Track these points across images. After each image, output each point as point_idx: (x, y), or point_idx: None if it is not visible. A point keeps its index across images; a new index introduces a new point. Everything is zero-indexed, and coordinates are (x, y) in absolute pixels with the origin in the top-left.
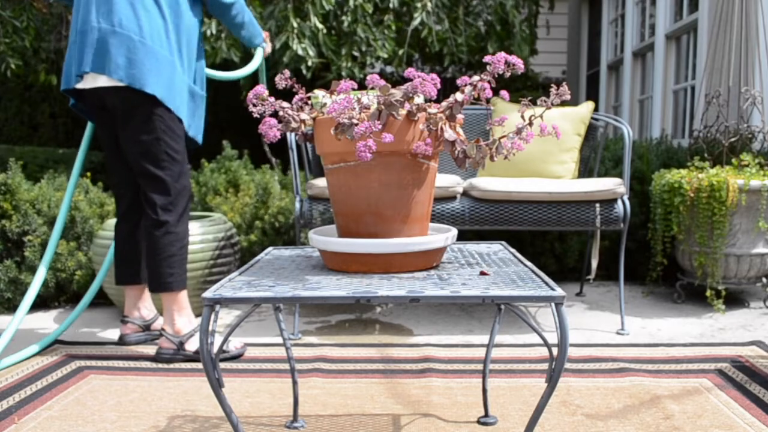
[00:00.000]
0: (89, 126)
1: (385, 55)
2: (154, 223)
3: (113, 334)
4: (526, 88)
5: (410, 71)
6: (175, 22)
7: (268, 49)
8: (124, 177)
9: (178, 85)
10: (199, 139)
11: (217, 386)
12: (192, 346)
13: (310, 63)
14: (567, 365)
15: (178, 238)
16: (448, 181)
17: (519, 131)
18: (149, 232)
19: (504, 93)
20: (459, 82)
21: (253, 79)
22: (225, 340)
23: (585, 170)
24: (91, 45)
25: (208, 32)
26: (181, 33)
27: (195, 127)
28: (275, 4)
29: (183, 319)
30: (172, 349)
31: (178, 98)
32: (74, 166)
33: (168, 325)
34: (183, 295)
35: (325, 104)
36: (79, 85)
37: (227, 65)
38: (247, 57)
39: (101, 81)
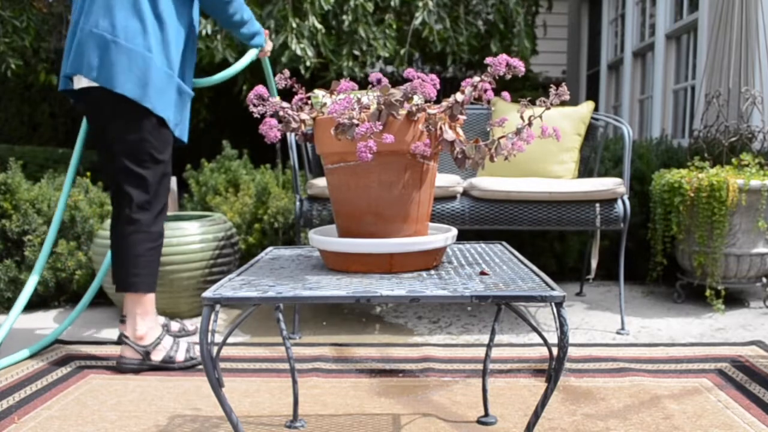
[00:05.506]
0: (84, 125)
1: (386, 55)
2: (128, 220)
3: (113, 334)
4: (525, 88)
5: (410, 71)
6: (158, 17)
7: (269, 47)
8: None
9: (158, 83)
10: (185, 138)
11: (217, 386)
12: (158, 356)
13: (308, 63)
14: (567, 365)
15: (150, 239)
16: (448, 181)
17: (518, 132)
18: (119, 229)
19: (505, 94)
20: (463, 84)
21: (249, 77)
22: (225, 340)
23: (585, 170)
24: (73, 47)
25: (204, 32)
26: (167, 28)
27: (181, 127)
28: (273, 4)
29: (146, 324)
30: (137, 359)
31: (157, 96)
32: (70, 166)
33: (130, 330)
34: (148, 299)
35: (325, 104)
36: (74, 86)
37: (224, 66)
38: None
39: (82, 82)
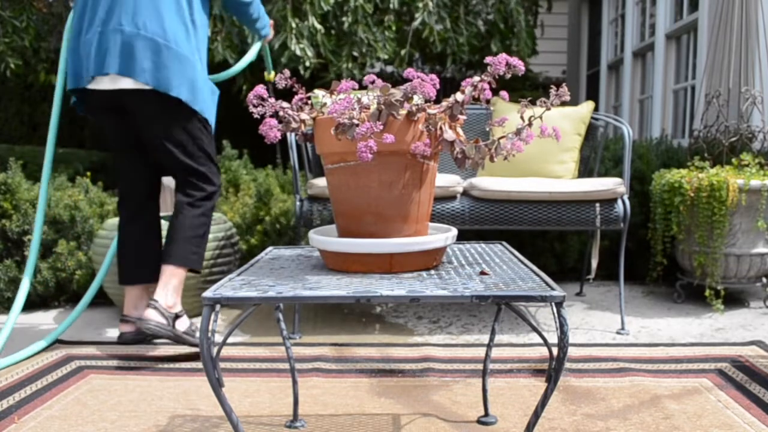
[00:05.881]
0: (54, 122)
1: (386, 56)
2: (192, 203)
3: (113, 334)
4: (525, 88)
5: (410, 71)
6: (193, 22)
7: (271, 35)
8: (135, 178)
9: (201, 85)
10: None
11: (217, 386)
12: (182, 326)
13: (308, 63)
14: (567, 365)
15: (207, 223)
16: (448, 180)
17: (518, 132)
18: (185, 209)
19: (504, 93)
20: (463, 84)
21: (249, 77)
22: (225, 340)
23: (585, 170)
24: (114, 47)
25: None
26: (198, 32)
27: (213, 125)
28: (273, 4)
29: (177, 297)
30: (163, 324)
31: (202, 99)
32: (44, 164)
33: (162, 297)
34: (184, 276)
35: (325, 104)
36: (93, 86)
37: (223, 67)
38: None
39: (125, 83)
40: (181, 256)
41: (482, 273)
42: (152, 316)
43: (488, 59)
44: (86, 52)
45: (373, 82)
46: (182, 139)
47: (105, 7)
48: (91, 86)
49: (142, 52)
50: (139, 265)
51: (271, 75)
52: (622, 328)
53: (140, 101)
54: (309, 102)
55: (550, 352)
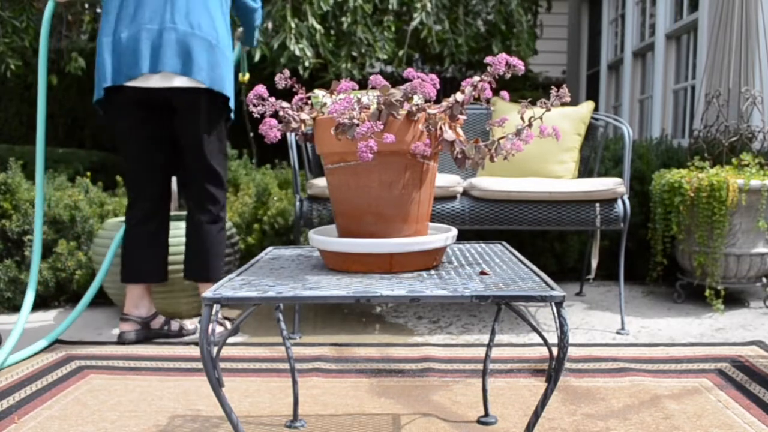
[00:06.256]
0: (42, 122)
1: (385, 56)
2: (214, 219)
3: (113, 334)
4: (525, 88)
5: (409, 71)
6: (228, 23)
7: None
8: (151, 179)
9: (234, 86)
10: None
11: (217, 386)
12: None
13: (307, 63)
14: (567, 365)
15: (225, 236)
16: (448, 180)
17: (518, 132)
18: (207, 227)
19: (504, 93)
20: (463, 84)
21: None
22: (225, 340)
23: (585, 170)
24: (169, 45)
25: None
26: (231, 35)
27: None
28: (273, 4)
29: None
30: (223, 327)
31: (234, 101)
32: (37, 163)
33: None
34: None
35: (325, 104)
36: (139, 83)
37: None
38: None
39: (179, 81)
40: (217, 273)
41: (482, 273)
42: (221, 328)
43: (488, 59)
44: (131, 49)
45: (374, 88)
46: (213, 138)
47: (151, 6)
48: (136, 84)
49: (198, 51)
50: (146, 264)
51: (245, 77)
52: (622, 328)
53: (191, 99)
54: (309, 102)
55: (550, 352)
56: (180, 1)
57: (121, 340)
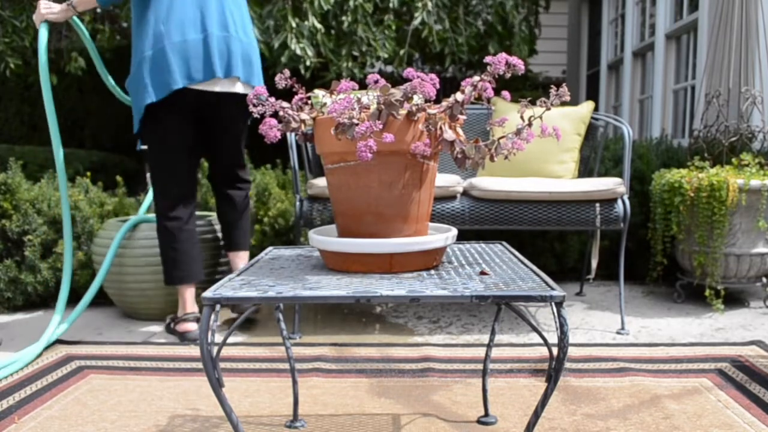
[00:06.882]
0: (55, 126)
1: (386, 55)
2: (246, 194)
3: (113, 334)
4: (525, 88)
5: (409, 71)
6: None
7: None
8: (192, 179)
9: None
10: None
11: (217, 386)
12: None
13: (308, 63)
14: (567, 365)
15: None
16: (448, 180)
17: (519, 132)
18: (243, 201)
19: (505, 93)
20: (463, 84)
21: None
22: (225, 340)
23: (585, 170)
24: (237, 53)
25: None
26: None
27: None
28: (273, 4)
29: None
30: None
31: None
32: (58, 166)
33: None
34: None
35: (325, 104)
36: (204, 87)
37: None
38: None
39: (239, 87)
40: (248, 243)
41: (482, 273)
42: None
43: (488, 59)
44: (189, 52)
45: (376, 82)
46: (244, 135)
47: (212, 14)
48: (202, 87)
49: (256, 60)
50: (199, 262)
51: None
52: (622, 328)
53: (238, 103)
54: (309, 102)
55: (550, 352)
56: (236, 12)
57: (192, 338)
